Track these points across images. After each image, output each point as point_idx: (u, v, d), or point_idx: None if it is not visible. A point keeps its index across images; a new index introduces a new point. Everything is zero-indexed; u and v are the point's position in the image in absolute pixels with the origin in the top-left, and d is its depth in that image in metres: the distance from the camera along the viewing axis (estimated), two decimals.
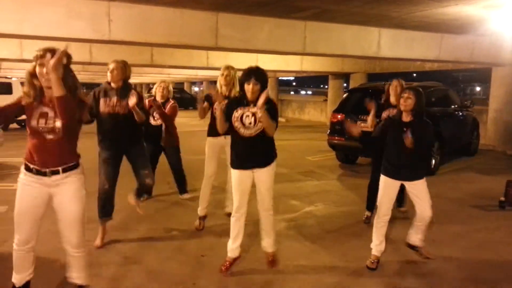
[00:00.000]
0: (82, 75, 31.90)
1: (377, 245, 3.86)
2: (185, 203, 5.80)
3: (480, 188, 7.08)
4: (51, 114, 2.52)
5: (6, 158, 8.61)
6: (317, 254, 4.16)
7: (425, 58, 10.50)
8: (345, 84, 19.75)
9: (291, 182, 7.24)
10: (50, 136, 2.52)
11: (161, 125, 5.58)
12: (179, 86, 37.58)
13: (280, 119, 18.16)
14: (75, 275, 2.86)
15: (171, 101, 5.66)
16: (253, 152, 3.51)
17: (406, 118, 3.70)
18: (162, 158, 5.87)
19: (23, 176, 2.64)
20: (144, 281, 3.50)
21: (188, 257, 4.01)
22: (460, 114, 9.68)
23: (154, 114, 5.51)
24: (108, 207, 4.18)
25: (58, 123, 2.51)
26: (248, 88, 3.34)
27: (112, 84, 4.04)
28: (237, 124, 3.42)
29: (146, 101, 5.36)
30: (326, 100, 20.78)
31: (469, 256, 4.18)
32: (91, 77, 36.42)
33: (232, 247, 3.65)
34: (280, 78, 25.62)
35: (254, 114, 3.38)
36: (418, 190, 3.76)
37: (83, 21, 6.97)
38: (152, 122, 5.56)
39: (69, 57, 2.57)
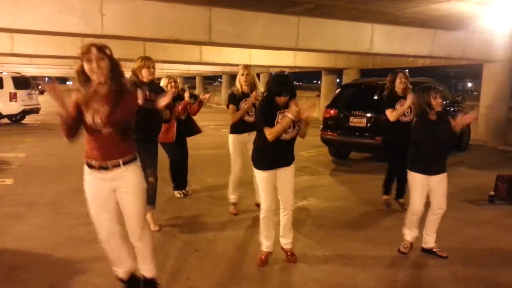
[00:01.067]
0: (74, 70, 31.68)
1: (407, 234, 4.02)
2: (177, 199, 5.80)
3: (470, 182, 7.16)
4: (104, 108, 2.49)
5: None
6: (309, 248, 4.20)
7: (418, 54, 10.57)
8: (338, 80, 19.78)
9: None
10: (106, 131, 2.53)
11: (186, 119, 5.60)
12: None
13: None
14: (142, 267, 2.96)
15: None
16: (284, 153, 3.62)
17: (433, 116, 3.82)
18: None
19: (87, 175, 2.68)
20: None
21: (182, 252, 4.03)
22: (452, 109, 9.75)
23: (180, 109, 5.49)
24: None
25: (116, 117, 2.51)
26: (280, 99, 3.47)
27: (144, 79, 4.16)
28: None
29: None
30: (319, 95, 20.82)
31: (460, 249, 4.24)
32: None
33: (267, 244, 3.74)
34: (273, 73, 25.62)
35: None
36: (443, 182, 3.91)
37: (75, 15, 6.92)
38: (181, 117, 5.53)
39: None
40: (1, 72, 15.08)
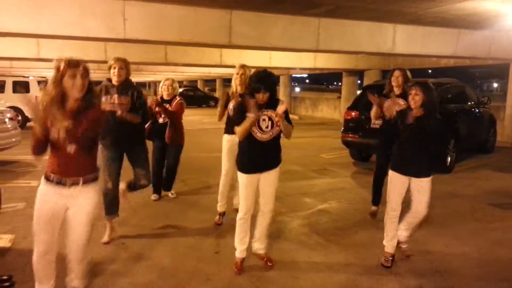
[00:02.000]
0: (98, 74, 32.29)
1: (388, 241, 3.83)
2: (198, 201, 5.83)
3: (497, 186, 6.97)
4: (71, 125, 2.46)
5: (23, 156, 8.76)
6: (330, 251, 4.15)
7: (441, 54, 10.36)
8: (359, 81, 19.59)
9: (305, 180, 7.22)
10: (69, 149, 2.50)
11: (167, 123, 5.51)
12: (192, 84, 37.74)
13: (293, 116, 18.03)
14: (76, 281, 2.77)
15: (177, 98, 5.62)
16: (266, 155, 3.51)
17: (416, 113, 3.65)
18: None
19: (43, 186, 2.63)
20: (156, 277, 3.53)
21: (202, 253, 4.04)
22: (477, 111, 9.52)
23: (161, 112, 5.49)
24: (113, 205, 4.22)
25: (78, 135, 2.48)
26: (258, 96, 3.36)
27: (114, 82, 4.09)
28: (254, 128, 3.40)
29: (149, 100, 5.36)
30: (339, 97, 20.67)
31: (486, 254, 4.13)
32: (106, 75, 36.93)
33: (241, 248, 3.66)
34: (293, 75, 25.55)
35: (270, 118, 3.40)
36: (421, 186, 3.69)
37: (98, 20, 7.06)
38: (160, 120, 5.53)
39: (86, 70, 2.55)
40: (27, 77, 15.48)
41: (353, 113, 8.43)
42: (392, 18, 8.65)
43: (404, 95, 4.80)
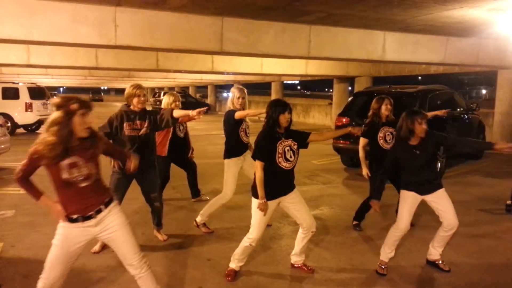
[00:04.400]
0: (88, 80, 32.14)
1: (388, 252, 3.84)
2: (191, 208, 5.81)
3: (486, 191, 7.04)
4: (80, 162, 2.50)
5: (13, 163, 8.67)
6: (323, 258, 4.16)
7: (430, 62, 10.49)
8: (350, 88, 19.73)
9: (297, 186, 7.20)
10: (84, 184, 2.54)
11: (184, 137, 5.65)
12: (184, 90, 37.72)
13: None
14: (139, 269, 2.81)
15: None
16: (285, 182, 3.58)
17: (414, 141, 3.64)
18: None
19: (67, 224, 2.62)
20: None
21: (194, 261, 4.02)
22: (466, 117, 9.64)
23: (180, 126, 5.56)
24: None
25: (93, 169, 2.56)
26: (285, 117, 3.41)
27: (136, 108, 4.15)
28: (281, 159, 3.45)
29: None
30: (331, 103, 20.78)
31: (477, 260, 4.16)
32: (96, 82, 36.79)
33: (238, 264, 3.69)
34: (285, 82, 25.66)
35: (291, 147, 3.48)
36: (438, 197, 3.72)
37: (89, 26, 7.04)
38: (181, 134, 5.63)
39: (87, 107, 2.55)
40: (17, 83, 15.36)
41: (344, 120, 8.48)
42: (382, 26, 8.75)
43: (392, 123, 4.77)
